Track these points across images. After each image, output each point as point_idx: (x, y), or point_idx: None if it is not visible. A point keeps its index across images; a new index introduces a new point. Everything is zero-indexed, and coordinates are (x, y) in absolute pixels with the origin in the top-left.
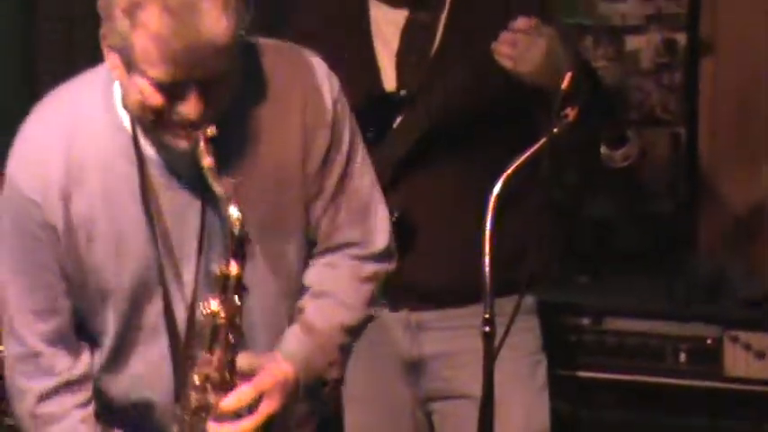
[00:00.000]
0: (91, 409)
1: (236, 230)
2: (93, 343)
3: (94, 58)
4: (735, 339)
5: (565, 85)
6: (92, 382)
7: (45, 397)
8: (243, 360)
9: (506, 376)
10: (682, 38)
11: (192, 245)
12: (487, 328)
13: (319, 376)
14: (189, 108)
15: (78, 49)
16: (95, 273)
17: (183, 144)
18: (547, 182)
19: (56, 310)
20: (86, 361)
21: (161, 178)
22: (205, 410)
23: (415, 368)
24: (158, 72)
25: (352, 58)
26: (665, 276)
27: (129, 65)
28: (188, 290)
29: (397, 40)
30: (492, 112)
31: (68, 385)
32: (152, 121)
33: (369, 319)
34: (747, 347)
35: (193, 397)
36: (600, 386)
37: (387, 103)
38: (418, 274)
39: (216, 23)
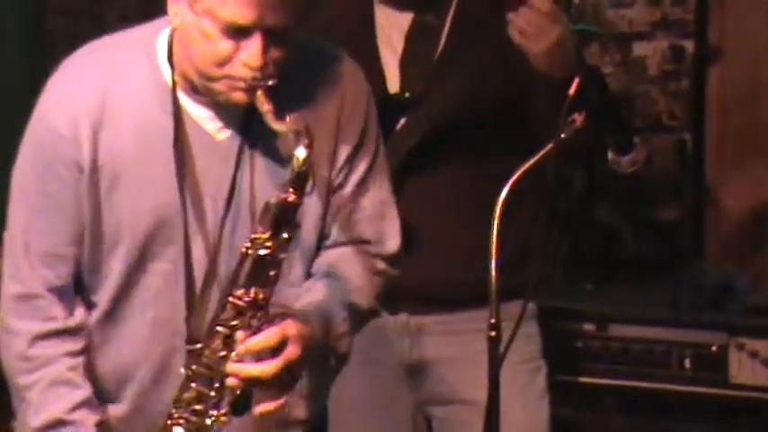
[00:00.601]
0: (81, 360)
1: (298, 167)
2: (88, 304)
3: None
4: (741, 347)
5: (572, 90)
6: (85, 336)
7: (38, 339)
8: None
9: (506, 382)
10: (689, 44)
11: (219, 204)
12: (493, 333)
13: (330, 346)
14: (253, 56)
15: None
16: (112, 217)
17: (238, 96)
18: (552, 188)
19: (63, 257)
20: (82, 314)
21: (196, 136)
22: (228, 349)
23: (414, 372)
24: (230, 12)
25: (357, 60)
26: (671, 283)
27: (196, 6)
28: (207, 241)
29: (401, 43)
30: (492, 116)
31: (63, 333)
32: (210, 74)
33: (374, 313)
34: (753, 355)
35: (218, 335)
36: (604, 392)
37: (390, 106)
38: (418, 278)
39: None
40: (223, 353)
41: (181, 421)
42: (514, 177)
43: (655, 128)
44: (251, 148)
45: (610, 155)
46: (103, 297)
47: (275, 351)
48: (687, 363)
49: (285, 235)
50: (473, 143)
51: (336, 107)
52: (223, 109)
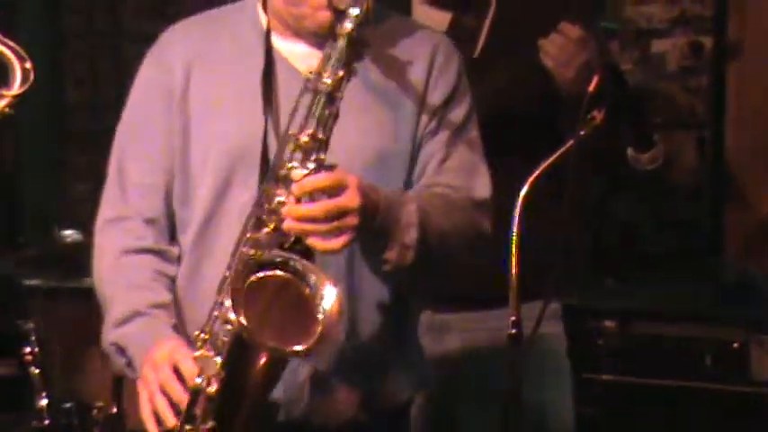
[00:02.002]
0: (167, 281)
1: (352, 23)
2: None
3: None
4: (761, 343)
5: (592, 87)
6: (176, 265)
7: (128, 253)
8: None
9: (534, 379)
10: (708, 41)
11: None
12: (514, 331)
13: (394, 229)
14: None
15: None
16: (200, 145)
17: (323, 15)
18: (573, 185)
19: (156, 187)
20: (174, 248)
21: (286, 74)
22: (285, 184)
23: (437, 370)
24: None
25: None
26: (692, 280)
27: None
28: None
29: None
30: (525, 119)
31: (152, 251)
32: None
33: (450, 256)
34: None
35: (277, 178)
36: (625, 389)
37: None
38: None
39: None
40: (281, 197)
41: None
42: (535, 174)
43: (674, 124)
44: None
45: (630, 152)
46: (192, 229)
47: (332, 195)
48: (708, 359)
49: (341, 73)
50: (506, 144)
51: (428, 53)
52: (319, 47)
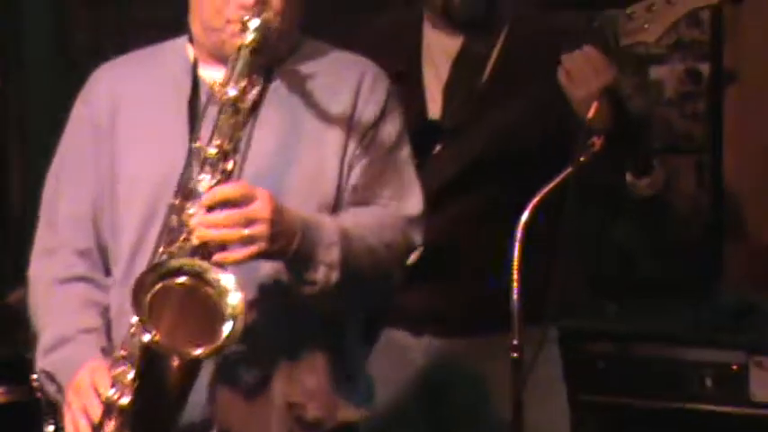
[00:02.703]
0: (101, 309)
1: (256, 30)
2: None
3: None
4: (760, 365)
5: (591, 114)
6: (106, 293)
7: (59, 282)
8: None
9: (527, 404)
10: (705, 67)
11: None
12: (515, 354)
13: (317, 250)
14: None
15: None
16: (127, 174)
17: (239, 41)
18: (572, 212)
19: (86, 219)
20: (106, 278)
21: (210, 102)
22: (194, 196)
23: (436, 394)
24: None
25: (400, 81)
26: (691, 303)
27: None
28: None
29: (447, 69)
30: (529, 152)
31: (84, 279)
32: (215, 24)
33: (384, 269)
34: None
35: (187, 190)
36: (626, 412)
37: (429, 131)
38: (445, 301)
39: None
40: (192, 208)
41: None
42: (535, 200)
43: (673, 150)
44: (263, 108)
45: (628, 177)
46: (122, 258)
47: (242, 206)
48: (708, 382)
49: (243, 83)
50: (509, 174)
51: (355, 81)
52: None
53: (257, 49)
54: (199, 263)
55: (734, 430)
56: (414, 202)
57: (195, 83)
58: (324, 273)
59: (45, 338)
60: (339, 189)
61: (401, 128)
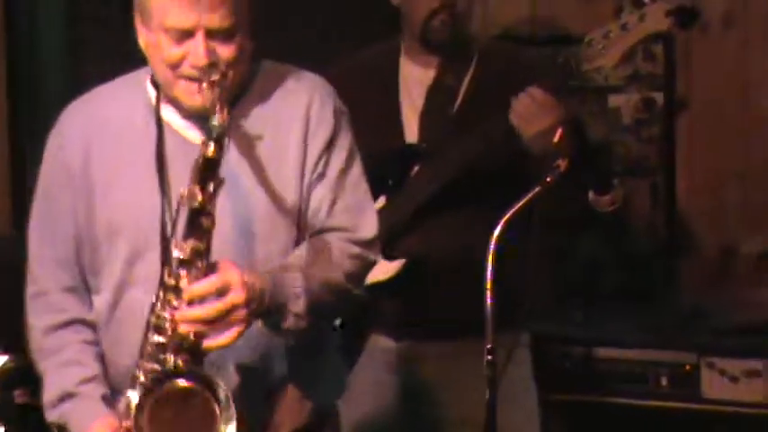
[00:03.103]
0: (92, 347)
1: (216, 129)
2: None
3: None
4: (711, 365)
5: (556, 139)
6: (96, 329)
7: (50, 330)
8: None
9: (501, 402)
10: (659, 96)
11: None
12: (490, 357)
13: (284, 303)
14: (197, 56)
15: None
16: (104, 218)
17: (195, 99)
18: (540, 228)
19: (69, 260)
20: (92, 313)
21: (176, 144)
22: (175, 293)
23: (416, 395)
24: (173, 19)
25: (379, 109)
26: (648, 310)
27: (151, 24)
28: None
29: (422, 98)
30: (499, 169)
31: (74, 322)
32: (169, 80)
33: (347, 294)
34: (722, 372)
35: (167, 287)
36: (590, 409)
37: (407, 154)
38: (424, 311)
39: None
40: (175, 303)
41: (144, 372)
42: (506, 217)
43: (630, 171)
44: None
45: (591, 195)
46: (104, 295)
47: (219, 296)
48: (664, 380)
49: (211, 188)
50: (480, 191)
51: (304, 107)
52: (201, 119)
53: (217, 156)
54: (213, 378)
55: (687, 424)
56: (368, 225)
57: (160, 126)
58: (293, 321)
59: (48, 392)
60: (300, 212)
61: (351, 146)
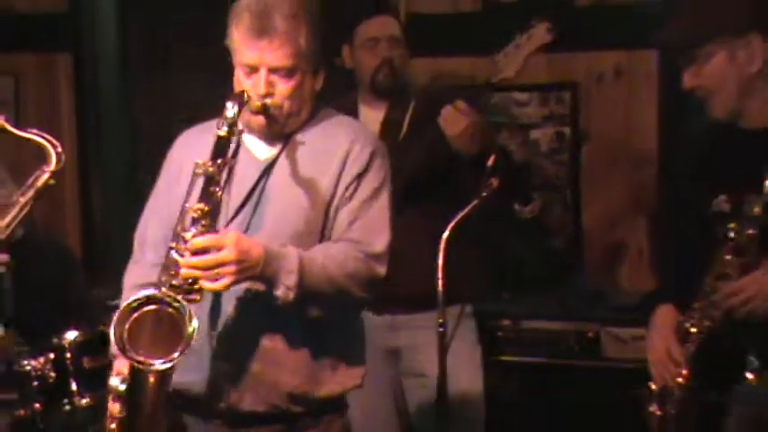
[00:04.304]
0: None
1: (230, 119)
2: None
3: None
4: (608, 333)
5: (490, 162)
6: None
7: (138, 287)
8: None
9: (455, 360)
10: (567, 130)
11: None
12: (441, 329)
13: (278, 275)
14: (258, 86)
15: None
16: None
17: (256, 120)
18: (482, 229)
19: (158, 243)
20: None
21: (247, 158)
22: (185, 243)
23: (393, 356)
24: (245, 57)
25: None
26: (561, 291)
27: (236, 61)
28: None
29: (377, 130)
30: (437, 179)
31: (153, 284)
32: (243, 105)
33: (347, 291)
34: (617, 338)
35: (180, 238)
36: (518, 367)
37: None
38: (397, 289)
39: (283, 24)
40: (183, 252)
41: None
42: (452, 224)
43: (546, 187)
44: (277, 164)
45: (516, 206)
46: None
47: (217, 252)
48: (573, 344)
49: (220, 161)
50: (429, 195)
51: (347, 147)
52: (267, 138)
53: (228, 137)
54: (166, 294)
55: (591, 378)
56: (379, 242)
57: (237, 145)
58: (283, 291)
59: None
60: (325, 226)
61: (379, 184)
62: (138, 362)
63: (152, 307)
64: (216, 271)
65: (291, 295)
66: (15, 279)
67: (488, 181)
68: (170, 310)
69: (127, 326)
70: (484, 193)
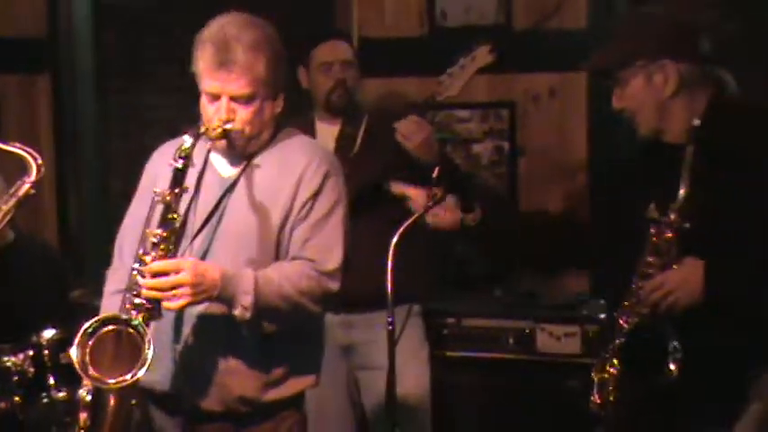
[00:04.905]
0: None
1: (184, 150)
2: None
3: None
4: (543, 329)
5: (435, 174)
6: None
7: (114, 294)
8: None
9: (404, 355)
10: (506, 145)
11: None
12: (390, 327)
13: (235, 296)
14: (219, 111)
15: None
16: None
17: (219, 143)
18: (429, 234)
19: (135, 252)
20: None
21: (211, 175)
22: (144, 264)
23: (347, 351)
24: (207, 85)
25: None
26: (499, 291)
27: (202, 86)
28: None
29: (332, 144)
30: (389, 187)
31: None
32: (206, 129)
33: (302, 307)
34: (551, 334)
35: (141, 262)
36: (460, 361)
37: None
38: (352, 291)
39: (242, 56)
40: (144, 274)
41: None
42: (401, 230)
43: (487, 197)
44: (239, 184)
45: (460, 213)
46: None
47: (175, 275)
48: (510, 340)
49: (177, 190)
50: (380, 202)
51: (301, 168)
52: (231, 158)
53: (184, 169)
54: (121, 317)
55: (527, 371)
56: (332, 261)
57: (205, 163)
58: (240, 311)
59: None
60: (279, 248)
61: (333, 204)
62: (95, 379)
63: (113, 327)
64: (173, 292)
65: (248, 314)
66: (4, 280)
67: (433, 192)
68: (130, 330)
69: (87, 348)
70: (429, 204)
